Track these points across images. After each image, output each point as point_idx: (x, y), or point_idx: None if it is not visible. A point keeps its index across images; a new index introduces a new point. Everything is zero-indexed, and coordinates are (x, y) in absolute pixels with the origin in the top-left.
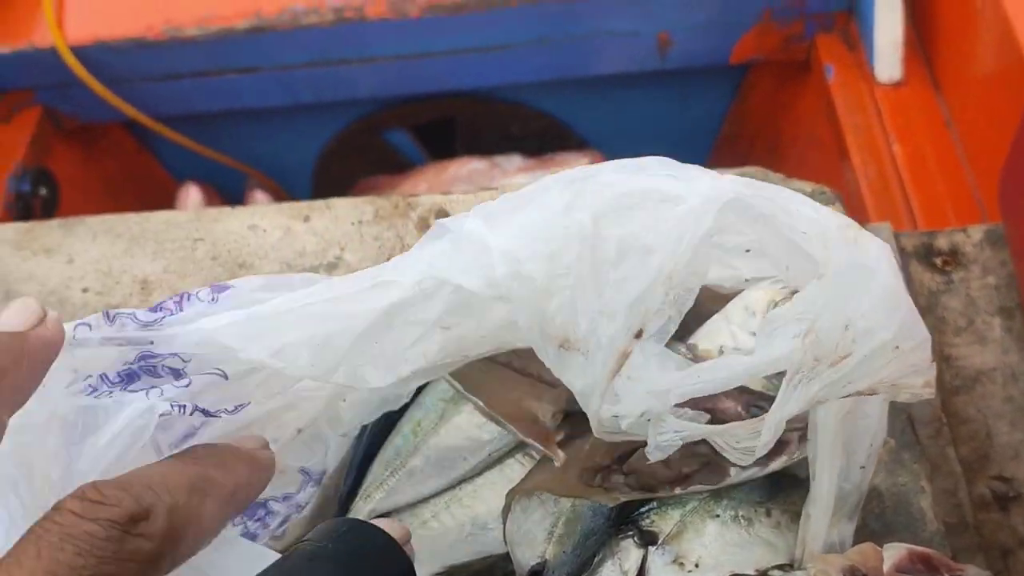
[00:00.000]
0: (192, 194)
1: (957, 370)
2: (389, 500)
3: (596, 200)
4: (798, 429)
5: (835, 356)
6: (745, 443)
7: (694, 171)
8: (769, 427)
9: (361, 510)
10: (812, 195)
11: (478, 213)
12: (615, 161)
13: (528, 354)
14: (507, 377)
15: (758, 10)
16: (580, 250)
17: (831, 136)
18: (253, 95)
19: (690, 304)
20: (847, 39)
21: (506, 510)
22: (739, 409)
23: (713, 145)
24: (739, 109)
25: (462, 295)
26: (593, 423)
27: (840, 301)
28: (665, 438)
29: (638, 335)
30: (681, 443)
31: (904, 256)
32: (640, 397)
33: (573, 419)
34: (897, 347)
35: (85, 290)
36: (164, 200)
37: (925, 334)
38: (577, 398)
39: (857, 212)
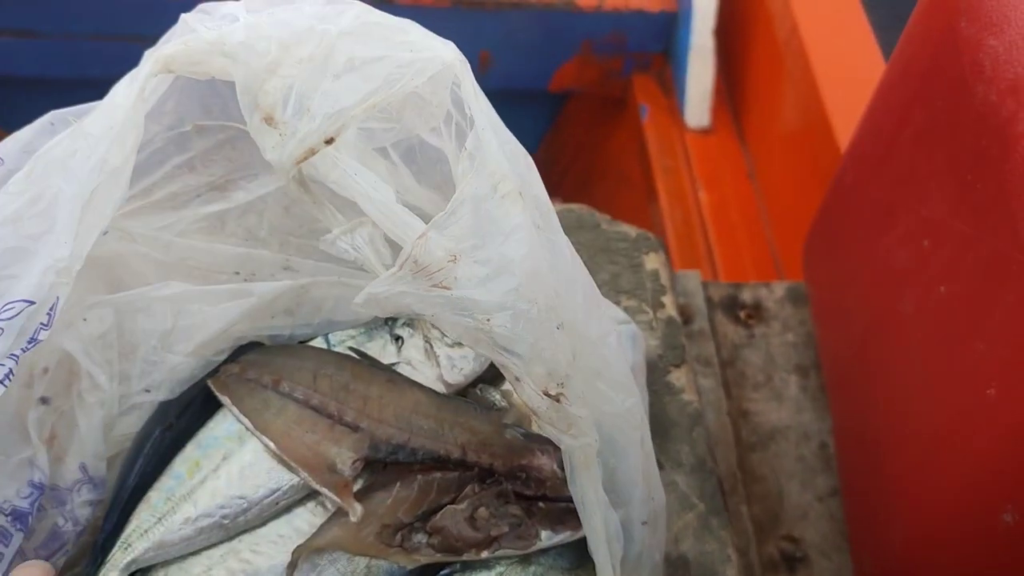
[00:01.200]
0: None
1: (754, 426)
2: (154, 552)
3: (348, 21)
4: None
5: (437, 278)
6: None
7: (428, 40)
8: (371, 284)
9: (119, 562)
10: (636, 240)
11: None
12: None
13: (328, 391)
14: (303, 416)
15: (578, 40)
16: (314, 52)
17: (641, 175)
18: (34, 63)
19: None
20: (662, 81)
21: (291, 567)
22: (554, 466)
23: None
24: (555, 137)
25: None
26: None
27: (456, 231)
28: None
29: (328, 141)
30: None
31: (711, 306)
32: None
33: (374, 468)
34: (488, 319)
35: None
36: None
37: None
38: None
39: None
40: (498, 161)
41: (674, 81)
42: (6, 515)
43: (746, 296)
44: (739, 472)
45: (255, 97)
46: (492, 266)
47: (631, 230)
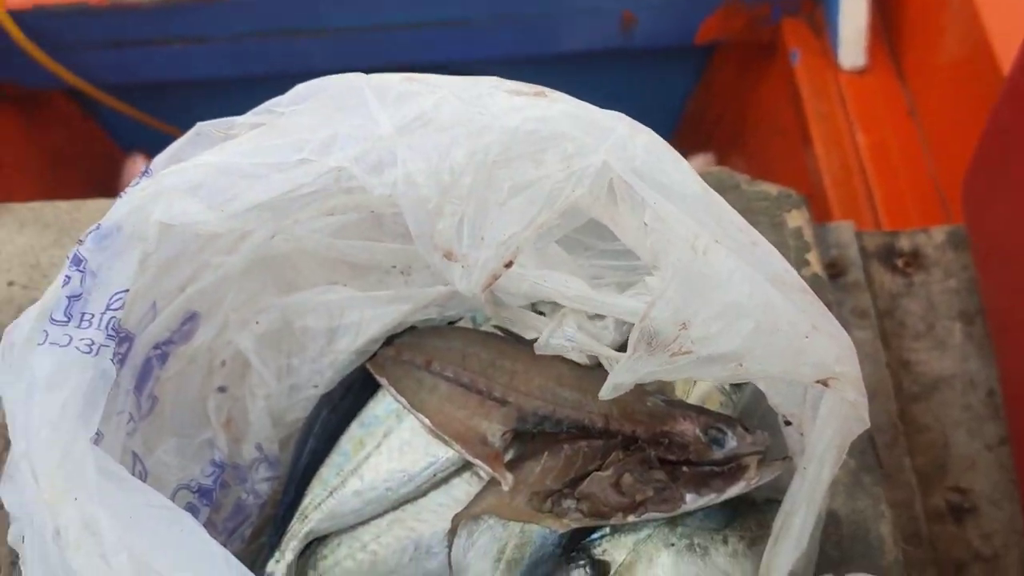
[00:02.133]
0: (140, 166)
1: (916, 376)
2: (328, 522)
3: (497, 145)
4: (757, 453)
5: (675, 347)
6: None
7: (601, 131)
8: (614, 374)
9: (298, 532)
10: (778, 197)
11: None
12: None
13: (477, 368)
14: (454, 394)
15: None
16: (474, 183)
17: (795, 122)
18: (202, 65)
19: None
20: (813, 24)
21: (452, 534)
22: (696, 431)
23: (676, 126)
24: (703, 91)
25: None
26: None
27: (675, 300)
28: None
29: (507, 265)
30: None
31: (865, 256)
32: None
33: (523, 439)
34: (741, 364)
35: (11, 284)
36: (111, 171)
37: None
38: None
39: (819, 203)
40: (683, 223)
41: (826, 22)
42: (193, 492)
43: (903, 243)
44: (900, 423)
45: (431, 239)
46: (725, 317)
47: (772, 188)
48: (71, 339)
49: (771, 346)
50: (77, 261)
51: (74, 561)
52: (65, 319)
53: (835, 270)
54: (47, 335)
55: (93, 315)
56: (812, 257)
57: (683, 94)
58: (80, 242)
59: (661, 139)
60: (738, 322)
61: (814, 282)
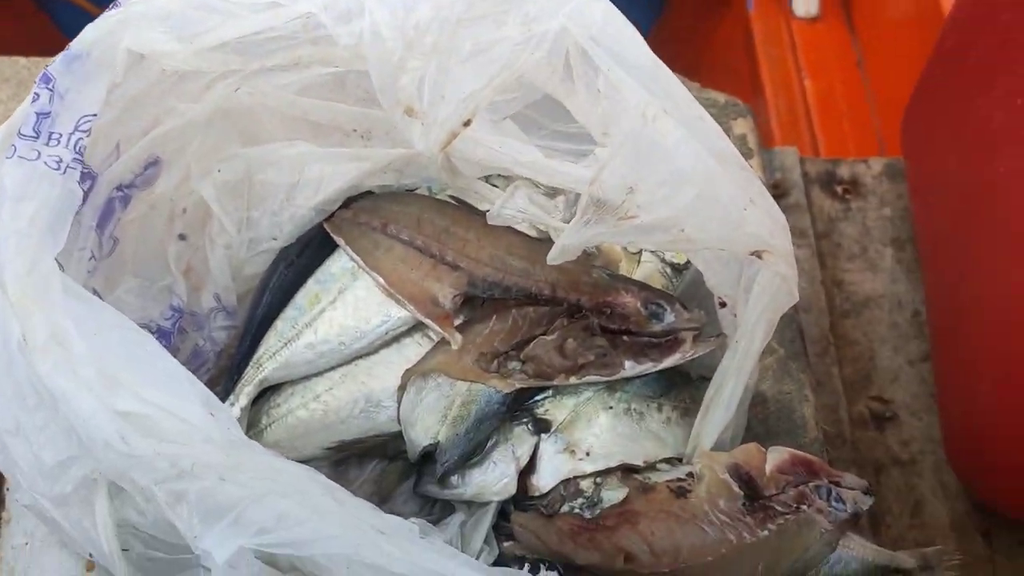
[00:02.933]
0: None
1: (848, 294)
2: (281, 371)
3: (462, 4)
4: (693, 329)
5: (621, 212)
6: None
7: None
8: (562, 236)
9: (252, 379)
10: (725, 106)
11: None
12: None
13: (431, 233)
14: (409, 256)
15: None
16: (438, 40)
17: (747, 66)
18: None
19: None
20: None
21: (401, 389)
22: (638, 304)
23: None
24: (661, 31)
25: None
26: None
27: (623, 166)
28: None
29: (466, 123)
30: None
31: (807, 181)
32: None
33: (473, 303)
34: (683, 230)
35: None
36: None
37: (746, 231)
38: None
39: (765, 137)
40: (635, 92)
41: None
42: (152, 332)
43: (843, 171)
44: (831, 336)
45: (393, 93)
46: (669, 184)
47: (720, 96)
48: (39, 154)
49: (711, 215)
50: (46, 79)
51: (41, 367)
52: (34, 135)
53: (778, 191)
54: (15, 149)
55: (61, 135)
56: (754, 163)
57: (642, 33)
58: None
59: (617, 10)
60: (681, 189)
61: None
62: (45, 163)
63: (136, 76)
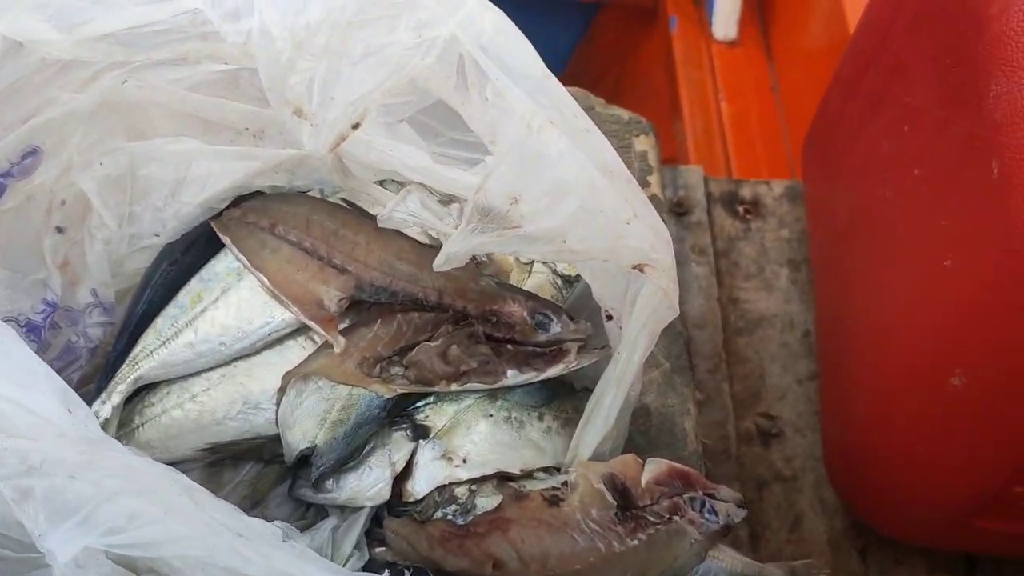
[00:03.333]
0: None
1: (742, 312)
2: (158, 370)
3: (353, 6)
4: (578, 340)
5: (506, 222)
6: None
7: (453, 4)
8: (448, 244)
9: (127, 376)
10: (628, 123)
11: None
12: None
13: (319, 235)
14: (296, 257)
15: None
16: (328, 42)
17: (667, 86)
18: None
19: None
20: None
21: (281, 392)
22: (524, 314)
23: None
24: (586, 48)
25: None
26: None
27: (508, 175)
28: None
29: (355, 126)
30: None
31: (710, 200)
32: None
33: (359, 307)
34: (565, 241)
35: None
36: None
37: (631, 244)
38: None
39: (680, 157)
40: (522, 101)
41: None
42: (21, 326)
43: (746, 192)
44: (724, 353)
45: (282, 93)
46: (552, 194)
47: (624, 113)
48: None
49: (593, 226)
50: None
51: None
52: None
53: (681, 208)
54: None
55: None
56: (653, 180)
57: (567, 50)
58: None
59: (509, 20)
60: (564, 200)
61: (652, 203)
62: None
63: (14, 63)
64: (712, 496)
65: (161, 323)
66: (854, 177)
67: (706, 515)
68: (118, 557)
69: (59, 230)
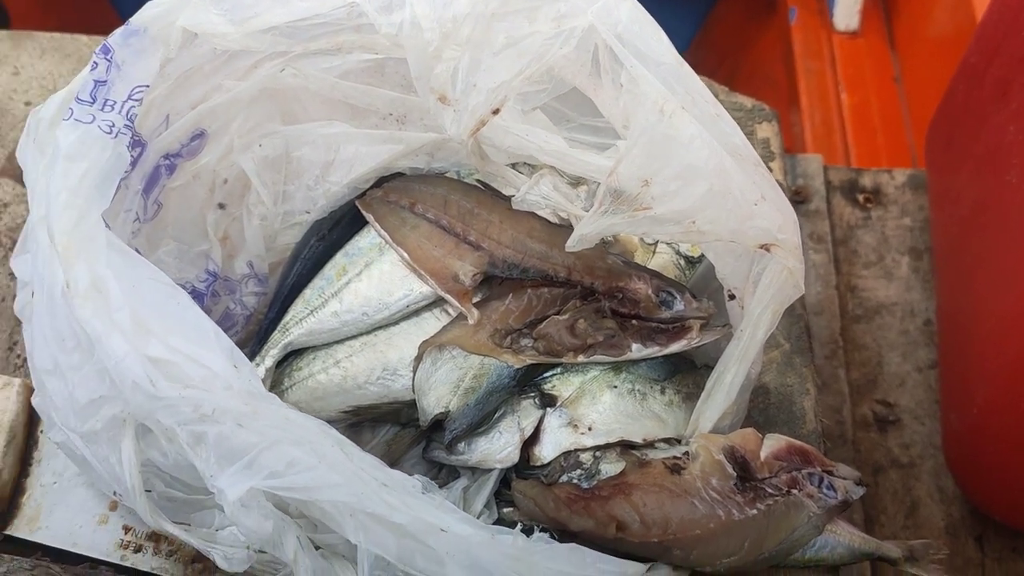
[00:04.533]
0: None
1: (861, 300)
2: (306, 337)
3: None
4: (700, 318)
5: (636, 203)
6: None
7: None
8: (580, 226)
9: (278, 342)
10: (751, 110)
11: None
12: None
13: (456, 214)
14: (433, 234)
15: None
16: (473, 33)
17: (784, 77)
18: None
19: (542, 101)
20: None
21: (417, 360)
22: (649, 291)
23: None
24: (704, 39)
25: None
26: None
27: (640, 159)
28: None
29: (495, 111)
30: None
31: (829, 189)
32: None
33: (491, 282)
34: (694, 222)
35: (27, 104)
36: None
37: (756, 225)
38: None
39: (797, 147)
40: (655, 88)
41: None
42: (188, 292)
43: (866, 181)
44: (841, 340)
45: (428, 81)
46: (683, 177)
47: (747, 101)
48: (94, 118)
49: (722, 208)
50: (106, 50)
51: (81, 311)
52: (90, 100)
53: (800, 197)
54: (72, 112)
55: (116, 102)
56: (775, 166)
57: (685, 40)
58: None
59: (643, 9)
60: (694, 182)
61: None
62: (99, 127)
63: (189, 53)
64: (830, 473)
65: (309, 294)
66: (980, 164)
67: (824, 490)
68: (275, 500)
69: (221, 206)
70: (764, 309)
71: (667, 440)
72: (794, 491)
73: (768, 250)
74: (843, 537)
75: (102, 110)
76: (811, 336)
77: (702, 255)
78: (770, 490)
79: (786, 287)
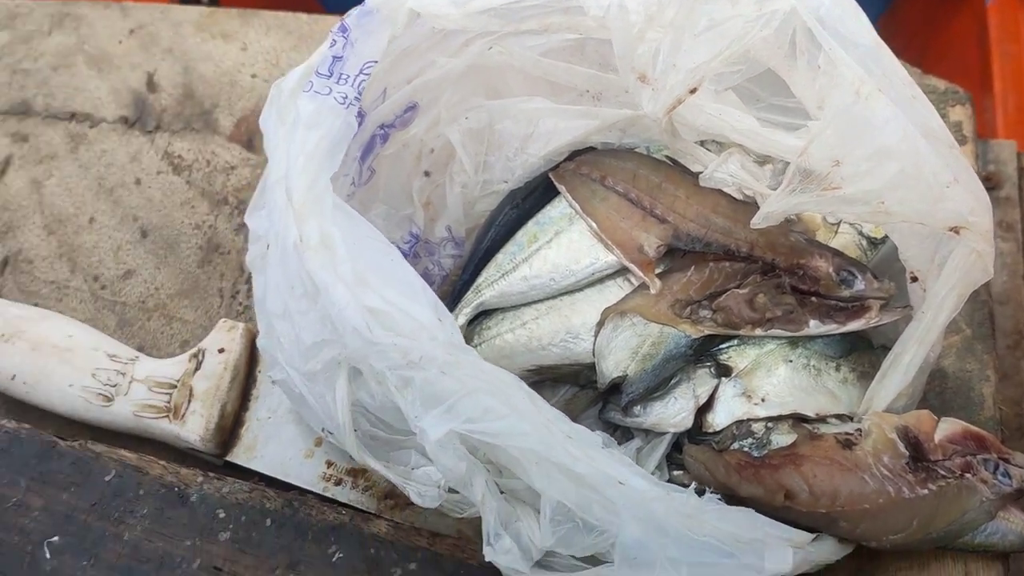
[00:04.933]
0: None
1: None
2: (496, 299)
3: None
4: (881, 299)
5: (826, 183)
6: (758, 187)
7: None
8: (766, 204)
9: (471, 302)
10: (944, 92)
11: None
12: None
13: (644, 188)
14: (622, 206)
15: None
16: (676, 15)
17: (977, 59)
18: None
19: (735, 82)
20: None
21: (599, 325)
22: (830, 269)
23: None
24: (890, 20)
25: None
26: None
27: (832, 139)
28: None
29: (692, 91)
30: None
31: (1022, 176)
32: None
33: (674, 254)
34: (883, 203)
35: (254, 76)
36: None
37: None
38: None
39: (989, 132)
40: (852, 69)
41: None
42: None
43: None
44: None
45: (631, 61)
46: (874, 158)
47: (940, 83)
48: (331, 90)
49: (913, 190)
50: (343, 29)
51: (311, 263)
52: (328, 74)
53: (990, 183)
54: (312, 84)
55: (349, 75)
56: (967, 151)
57: (872, 18)
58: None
59: None
60: (885, 164)
61: None
62: (334, 98)
63: (410, 32)
64: (1007, 460)
65: (501, 258)
66: None
67: (999, 477)
68: (466, 442)
69: (426, 174)
70: (949, 291)
71: (839, 416)
72: (967, 475)
73: (958, 232)
74: (1016, 525)
75: (337, 83)
76: (995, 324)
77: (885, 236)
78: (942, 472)
79: (974, 270)
